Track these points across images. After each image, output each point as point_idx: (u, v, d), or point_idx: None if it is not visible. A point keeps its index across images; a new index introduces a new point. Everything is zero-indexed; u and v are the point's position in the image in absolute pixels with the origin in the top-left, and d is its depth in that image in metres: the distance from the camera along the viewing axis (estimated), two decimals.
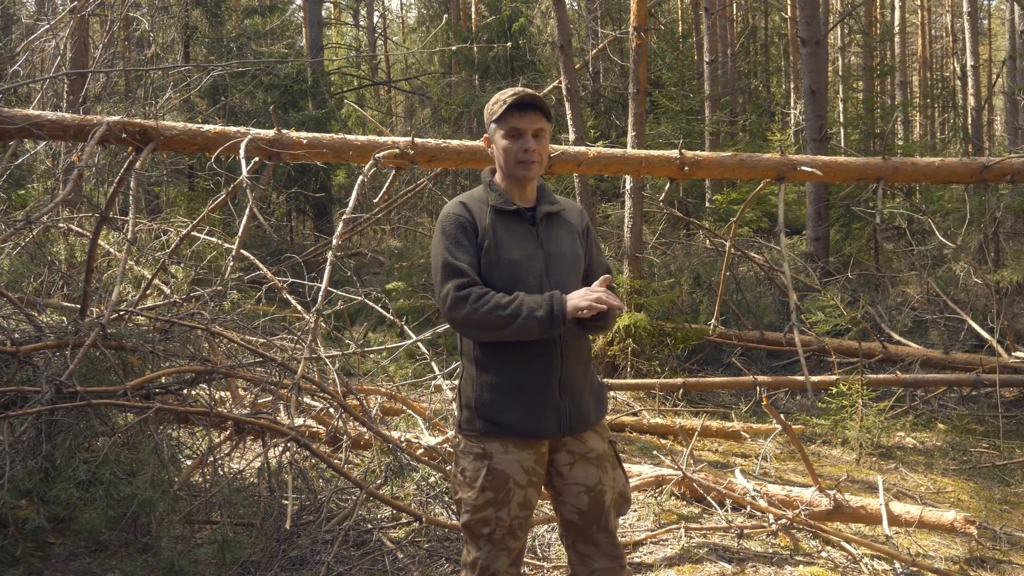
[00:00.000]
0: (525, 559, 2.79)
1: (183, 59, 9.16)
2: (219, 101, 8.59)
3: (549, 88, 6.94)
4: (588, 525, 1.89)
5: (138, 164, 3.71)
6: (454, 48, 9.43)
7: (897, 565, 2.82)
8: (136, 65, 8.57)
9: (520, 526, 1.87)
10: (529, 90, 1.88)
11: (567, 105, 5.76)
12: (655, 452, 4.09)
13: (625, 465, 3.43)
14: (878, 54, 15.52)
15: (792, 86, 13.65)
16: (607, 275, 1.83)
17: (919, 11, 18.41)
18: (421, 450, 3.35)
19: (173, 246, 3.97)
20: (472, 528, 1.87)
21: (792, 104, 13.42)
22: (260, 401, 3.24)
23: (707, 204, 9.54)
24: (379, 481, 3.13)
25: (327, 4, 17.11)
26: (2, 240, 3.70)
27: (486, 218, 1.85)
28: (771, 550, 2.95)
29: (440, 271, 1.81)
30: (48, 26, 5.75)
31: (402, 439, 3.38)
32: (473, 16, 13.39)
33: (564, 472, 1.90)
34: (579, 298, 1.73)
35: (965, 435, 4.70)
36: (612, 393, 4.89)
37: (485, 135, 1.94)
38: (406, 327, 4.29)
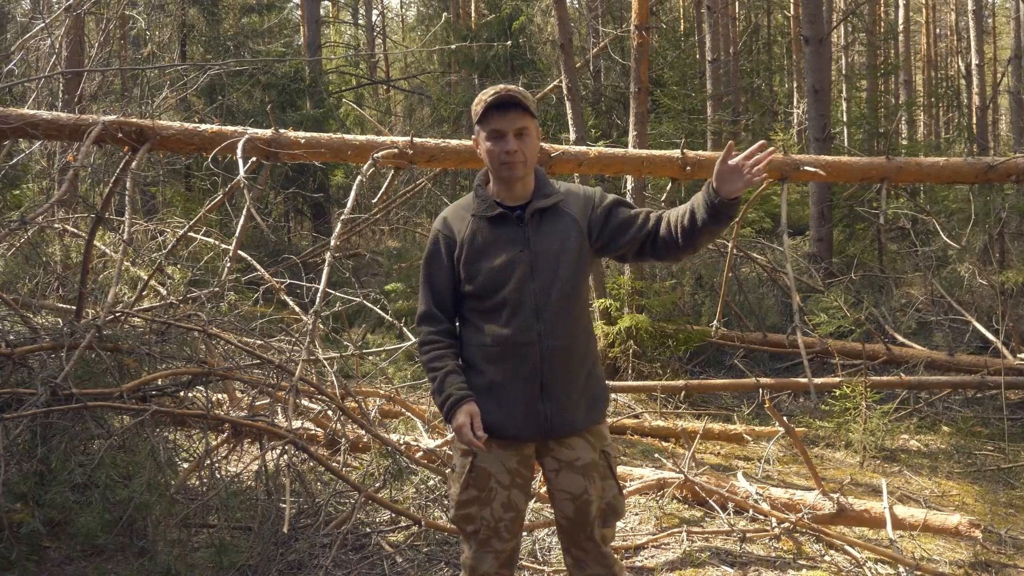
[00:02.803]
0: (525, 563, 2.77)
1: (180, 58, 9.14)
2: (216, 100, 8.55)
3: (550, 87, 6.89)
4: (576, 532, 1.89)
5: (134, 164, 3.68)
6: (454, 47, 9.38)
7: (901, 569, 2.79)
8: (132, 64, 8.55)
9: (507, 528, 1.87)
10: (511, 88, 1.83)
11: (568, 104, 5.72)
12: (657, 455, 4.06)
13: (626, 468, 3.46)
14: (882, 53, 15.46)
15: (795, 85, 13.61)
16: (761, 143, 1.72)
17: (923, 9, 18.32)
18: (420, 453, 3.33)
19: (170, 247, 3.94)
20: (458, 524, 1.92)
21: (795, 103, 13.38)
22: (257, 403, 3.21)
23: None
24: (378, 484, 3.11)
25: (325, 2, 17.09)
26: None
27: (466, 229, 1.86)
28: (774, 554, 2.93)
29: (419, 289, 1.95)
30: (43, 24, 5.71)
31: (401, 442, 3.36)
32: (473, 14, 13.35)
33: (551, 478, 1.89)
34: (460, 427, 1.76)
35: (970, 438, 4.66)
36: (613, 395, 4.85)
37: (473, 136, 1.92)
38: (405, 329, 4.25)
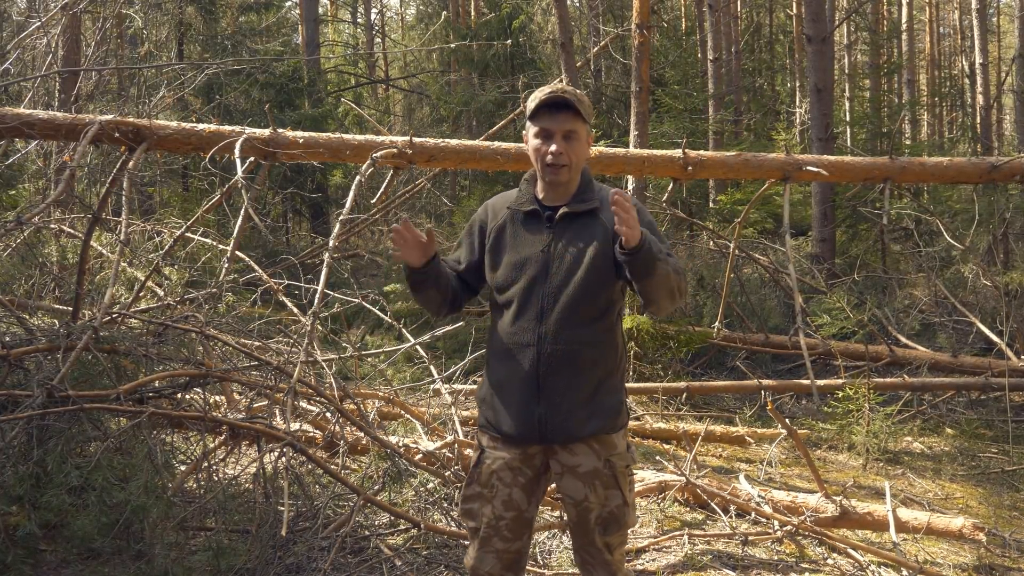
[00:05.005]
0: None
1: (177, 57, 9.13)
2: (214, 100, 8.54)
3: None
4: (580, 536, 1.90)
5: (131, 164, 3.66)
6: (453, 46, 9.37)
7: (904, 572, 2.77)
8: (129, 63, 8.53)
9: (509, 528, 1.86)
10: (567, 89, 1.82)
11: None
12: (658, 457, 4.03)
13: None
14: (885, 52, 15.40)
15: (797, 84, 13.57)
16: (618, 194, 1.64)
17: (927, 8, 18.29)
18: (419, 455, 3.31)
19: (167, 247, 3.92)
20: (462, 520, 1.95)
21: (798, 103, 13.34)
22: (255, 405, 3.20)
23: (711, 205, 9.47)
24: (377, 487, 3.09)
25: (323, 1, 17.06)
26: None
27: (500, 219, 1.90)
28: (776, 557, 2.91)
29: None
30: (39, 23, 5.70)
31: (400, 444, 3.34)
32: (472, 13, 13.33)
33: (556, 482, 1.89)
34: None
35: (973, 440, 4.64)
36: None
37: (524, 132, 1.92)
38: (404, 330, 4.23)
